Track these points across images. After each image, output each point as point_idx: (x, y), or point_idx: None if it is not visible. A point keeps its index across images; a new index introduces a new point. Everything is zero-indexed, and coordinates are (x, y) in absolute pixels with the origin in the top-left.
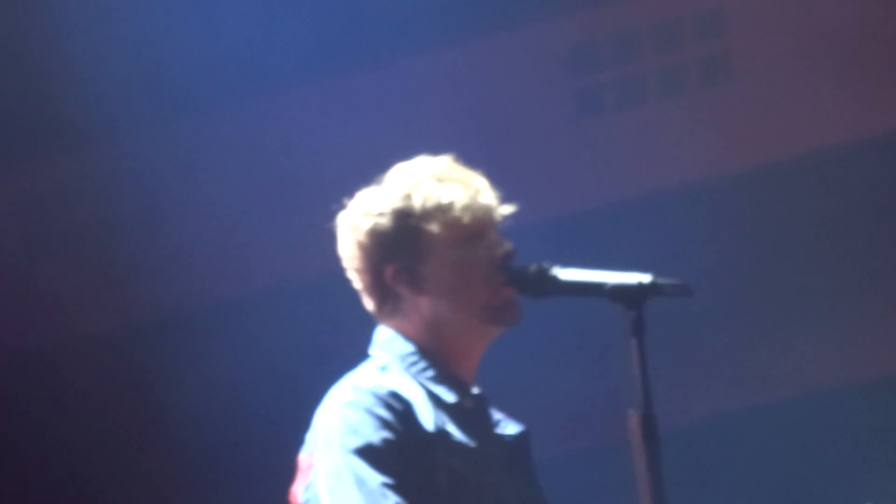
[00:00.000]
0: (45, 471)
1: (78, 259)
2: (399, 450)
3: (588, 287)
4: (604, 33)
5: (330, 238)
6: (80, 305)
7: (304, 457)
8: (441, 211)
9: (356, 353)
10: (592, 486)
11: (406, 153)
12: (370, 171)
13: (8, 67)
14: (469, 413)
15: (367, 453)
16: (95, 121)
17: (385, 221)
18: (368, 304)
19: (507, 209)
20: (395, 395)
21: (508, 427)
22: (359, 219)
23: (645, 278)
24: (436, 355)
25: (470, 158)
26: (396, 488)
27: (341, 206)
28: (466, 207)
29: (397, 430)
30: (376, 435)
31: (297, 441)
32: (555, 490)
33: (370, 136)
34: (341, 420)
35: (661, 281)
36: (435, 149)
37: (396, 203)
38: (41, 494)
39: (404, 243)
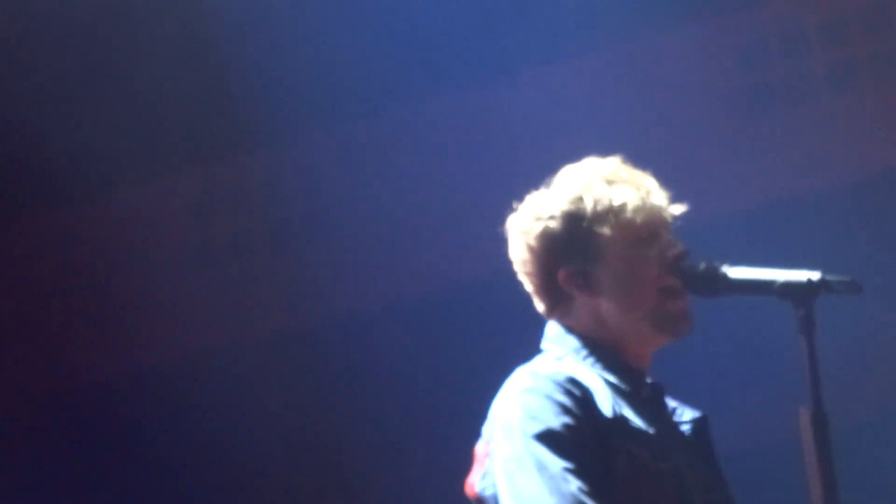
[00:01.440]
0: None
1: (246, 262)
2: (579, 435)
3: (757, 285)
4: (772, 30)
5: (500, 240)
6: (252, 307)
7: (480, 447)
8: (613, 213)
9: (527, 351)
10: (765, 485)
11: (575, 154)
12: (540, 172)
13: (178, 73)
14: (646, 401)
15: (548, 438)
16: (264, 124)
17: (556, 225)
18: (539, 305)
19: (677, 209)
20: (573, 381)
21: (686, 414)
22: (529, 222)
23: (814, 275)
24: (609, 347)
25: (640, 157)
26: (578, 473)
27: (511, 209)
28: (638, 209)
29: (577, 416)
30: (557, 420)
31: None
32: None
33: (539, 137)
34: (521, 407)
35: (831, 277)
36: (604, 148)
37: (567, 206)
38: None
39: (576, 246)
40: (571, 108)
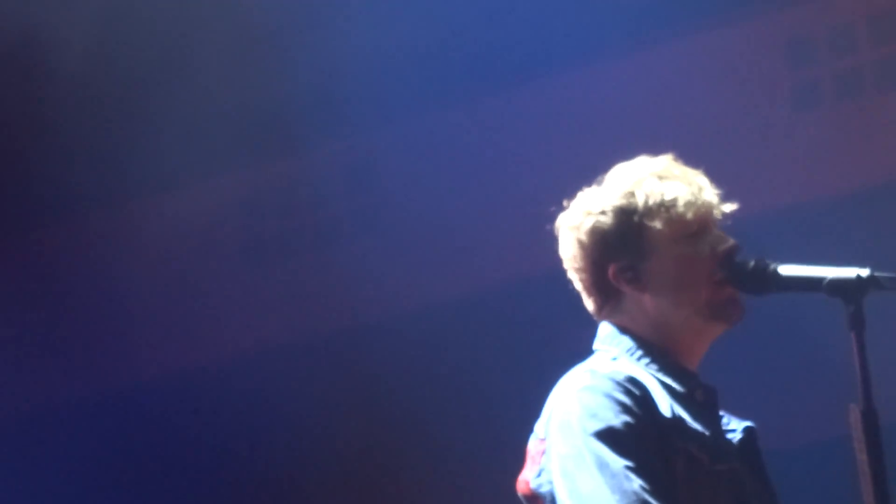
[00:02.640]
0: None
1: (297, 262)
2: (639, 434)
3: (807, 282)
4: (820, 26)
5: (549, 240)
6: (300, 308)
7: (533, 444)
8: (664, 208)
9: (575, 351)
10: (815, 482)
11: (625, 153)
12: (588, 172)
13: (229, 75)
14: (700, 404)
15: (608, 436)
16: (311, 125)
17: (607, 219)
18: (589, 303)
19: (728, 207)
20: (632, 380)
21: (734, 423)
22: (580, 217)
23: (863, 272)
24: (662, 349)
25: (687, 154)
26: (640, 471)
27: (562, 207)
28: (689, 203)
29: (637, 415)
30: (617, 419)
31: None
32: (778, 486)
33: (587, 135)
34: (580, 404)
35: (881, 274)
36: (652, 146)
37: (619, 201)
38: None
39: (627, 241)
40: (619, 108)
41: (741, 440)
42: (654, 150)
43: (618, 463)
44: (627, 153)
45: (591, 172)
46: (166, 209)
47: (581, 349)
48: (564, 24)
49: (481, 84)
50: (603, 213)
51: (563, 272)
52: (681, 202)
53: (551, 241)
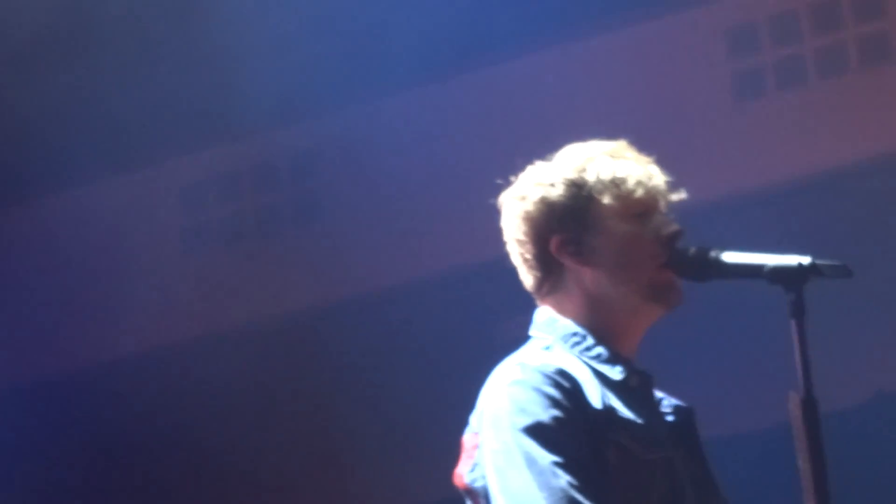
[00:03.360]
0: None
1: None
2: (569, 428)
3: (747, 269)
4: (762, 14)
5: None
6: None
7: (468, 438)
8: (615, 184)
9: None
10: (756, 469)
11: (567, 140)
12: (530, 159)
13: (194, 50)
14: (634, 391)
15: (537, 432)
16: (287, 103)
17: (557, 191)
18: (528, 278)
19: (677, 195)
20: (562, 373)
21: (670, 406)
22: (529, 188)
23: (805, 259)
24: (599, 333)
25: (632, 143)
26: (567, 467)
27: (507, 184)
28: (640, 183)
29: (566, 408)
30: (545, 413)
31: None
32: (719, 473)
33: (532, 120)
34: (509, 399)
35: (821, 262)
36: (596, 131)
37: (570, 174)
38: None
39: (574, 214)
40: (563, 97)
41: (678, 422)
42: (598, 134)
43: (545, 459)
44: (571, 141)
45: (533, 160)
46: (109, 196)
47: (522, 336)
48: (506, 10)
49: (422, 71)
50: (552, 185)
51: (504, 259)
52: (631, 180)
53: (493, 228)
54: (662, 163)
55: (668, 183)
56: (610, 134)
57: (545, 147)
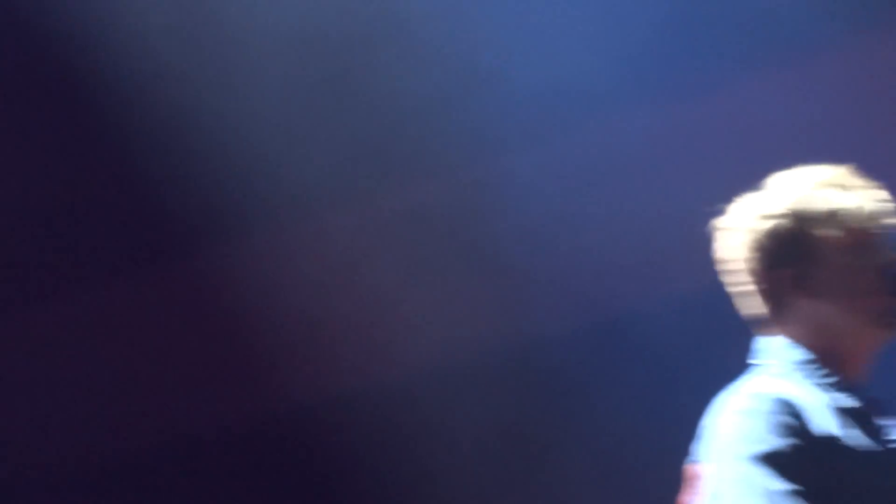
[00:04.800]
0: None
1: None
2: (801, 456)
3: None
4: None
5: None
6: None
7: (694, 467)
8: (839, 214)
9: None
10: None
11: (792, 158)
12: (757, 170)
13: (407, 86)
14: (865, 417)
15: (771, 460)
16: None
17: (786, 223)
18: (754, 308)
19: None
20: (791, 402)
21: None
22: (756, 220)
23: None
24: (829, 361)
25: (864, 166)
26: (799, 495)
27: (718, 211)
28: (862, 212)
29: (798, 436)
30: (778, 441)
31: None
32: None
33: (752, 143)
34: (741, 428)
35: None
36: (817, 155)
37: (795, 206)
38: None
39: (802, 247)
40: (794, 113)
41: None
42: (819, 157)
43: (781, 487)
44: (794, 159)
45: (759, 171)
46: (338, 223)
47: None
48: (726, 31)
49: (661, 91)
50: (782, 216)
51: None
52: (855, 211)
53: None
54: (887, 187)
55: (892, 208)
56: (831, 155)
57: (763, 171)
